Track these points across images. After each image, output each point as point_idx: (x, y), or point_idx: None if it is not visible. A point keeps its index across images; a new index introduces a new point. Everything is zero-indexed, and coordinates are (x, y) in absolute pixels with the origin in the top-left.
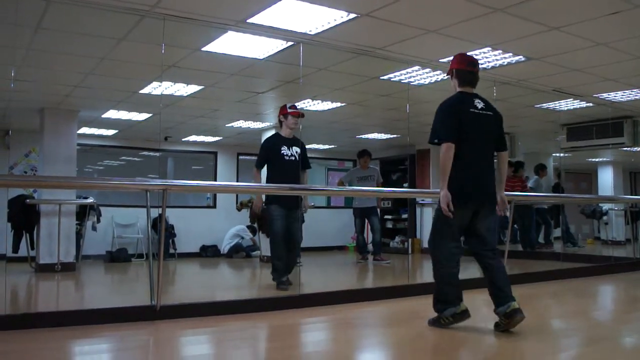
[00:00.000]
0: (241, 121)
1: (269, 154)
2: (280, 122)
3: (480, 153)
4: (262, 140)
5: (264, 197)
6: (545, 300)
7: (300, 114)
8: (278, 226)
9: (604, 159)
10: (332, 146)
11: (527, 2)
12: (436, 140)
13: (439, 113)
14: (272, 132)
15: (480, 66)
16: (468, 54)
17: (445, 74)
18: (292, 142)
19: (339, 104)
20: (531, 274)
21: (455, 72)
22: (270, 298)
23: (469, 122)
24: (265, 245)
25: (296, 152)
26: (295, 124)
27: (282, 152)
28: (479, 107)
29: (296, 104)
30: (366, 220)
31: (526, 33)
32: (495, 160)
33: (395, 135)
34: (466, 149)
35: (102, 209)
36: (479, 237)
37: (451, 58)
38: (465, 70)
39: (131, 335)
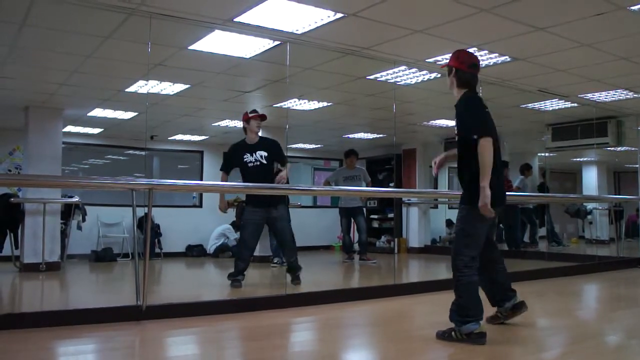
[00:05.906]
0: (227, 120)
1: (233, 160)
2: (244, 128)
3: (497, 155)
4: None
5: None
6: (530, 299)
7: (261, 117)
8: (248, 230)
9: (589, 159)
10: (319, 146)
11: (513, 3)
12: (475, 136)
13: (471, 107)
14: None
15: None
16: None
17: (438, 73)
18: (256, 146)
19: (325, 104)
20: (516, 273)
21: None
22: (257, 298)
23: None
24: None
25: (261, 156)
26: (259, 127)
27: (245, 159)
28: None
29: (282, 104)
30: (352, 220)
31: (512, 34)
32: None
33: (381, 135)
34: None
35: (87, 208)
36: (489, 241)
37: (438, 58)
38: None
39: (117, 335)
